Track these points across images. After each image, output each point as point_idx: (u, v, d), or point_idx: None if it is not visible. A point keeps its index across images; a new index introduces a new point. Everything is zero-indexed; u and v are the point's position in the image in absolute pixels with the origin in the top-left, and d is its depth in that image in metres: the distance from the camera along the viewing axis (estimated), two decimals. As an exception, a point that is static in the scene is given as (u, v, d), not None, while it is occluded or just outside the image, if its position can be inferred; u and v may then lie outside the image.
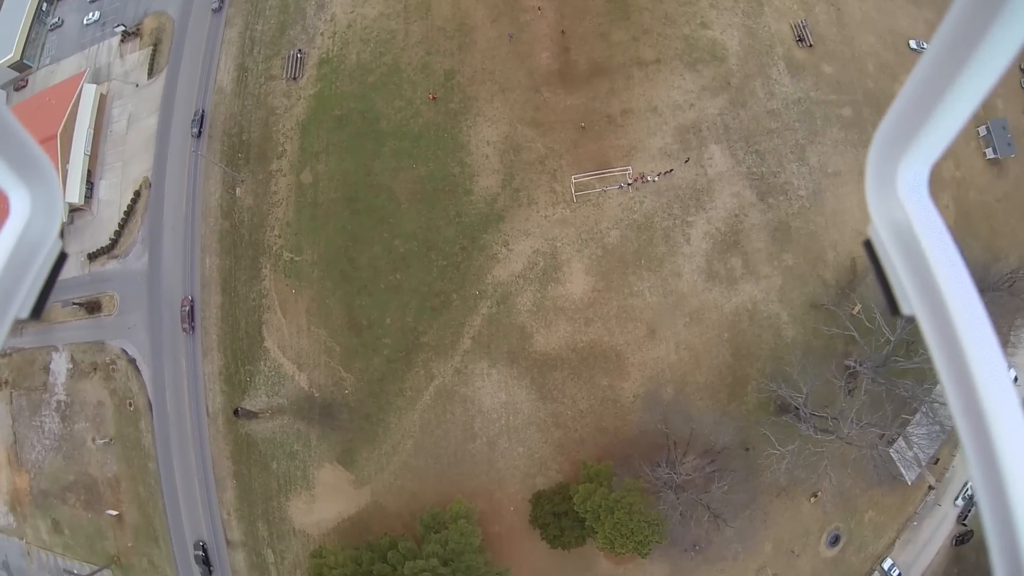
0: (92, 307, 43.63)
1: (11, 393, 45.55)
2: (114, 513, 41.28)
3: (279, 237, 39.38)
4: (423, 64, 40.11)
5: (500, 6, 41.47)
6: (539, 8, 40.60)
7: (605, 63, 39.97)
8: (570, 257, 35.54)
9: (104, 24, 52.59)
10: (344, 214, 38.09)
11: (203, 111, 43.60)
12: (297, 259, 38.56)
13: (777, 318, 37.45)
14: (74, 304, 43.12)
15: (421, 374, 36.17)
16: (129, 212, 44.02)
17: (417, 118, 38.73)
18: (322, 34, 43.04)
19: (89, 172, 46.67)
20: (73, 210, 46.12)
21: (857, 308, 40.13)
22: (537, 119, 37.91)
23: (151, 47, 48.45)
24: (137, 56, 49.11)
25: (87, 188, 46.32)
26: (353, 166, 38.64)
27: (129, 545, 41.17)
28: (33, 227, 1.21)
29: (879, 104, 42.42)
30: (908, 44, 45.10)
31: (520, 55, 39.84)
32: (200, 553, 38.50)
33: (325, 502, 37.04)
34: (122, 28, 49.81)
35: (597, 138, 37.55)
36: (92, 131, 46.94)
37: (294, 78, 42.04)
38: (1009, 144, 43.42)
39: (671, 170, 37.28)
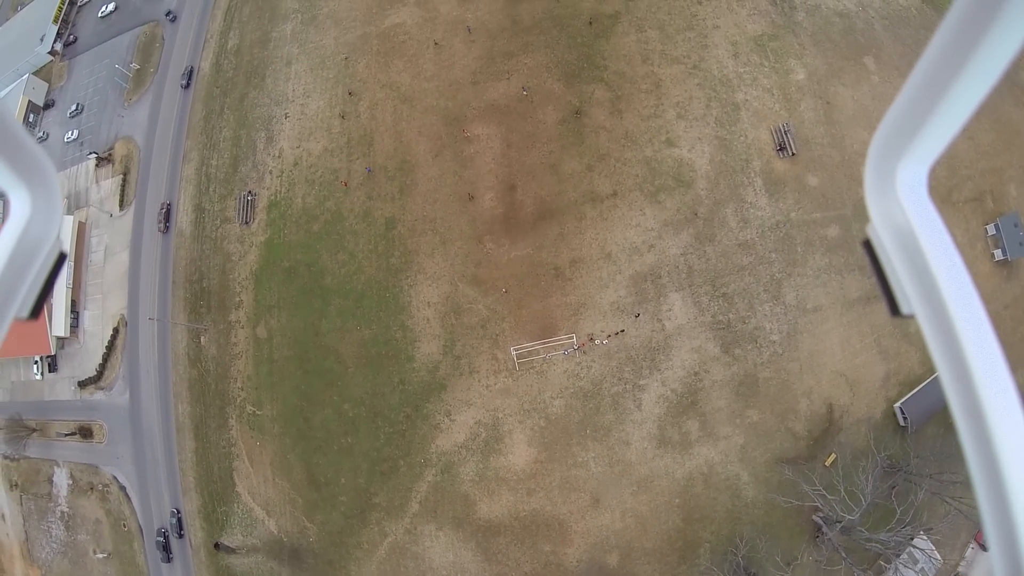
0: (85, 432, 47.29)
1: (21, 496, 49.81)
2: (117, 624, 46.20)
3: (242, 390, 40.76)
4: (364, 211, 38.94)
5: (443, 138, 39.14)
6: (465, 133, 37.90)
7: (554, 202, 37.32)
8: (512, 428, 34.85)
9: (82, 143, 53.73)
10: (297, 373, 38.77)
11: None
12: (259, 413, 39.95)
13: (736, 479, 35.59)
14: (66, 435, 46.79)
15: (375, 531, 37.42)
16: (110, 347, 46.61)
17: (360, 274, 38.07)
18: (271, 172, 42.38)
19: (74, 302, 49.21)
20: (62, 338, 49.14)
21: (831, 459, 37.48)
22: (479, 276, 36.34)
23: (122, 175, 49.46)
24: (110, 184, 50.35)
25: (73, 317, 48.89)
26: (302, 324, 38.88)
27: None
28: (33, 228, 1.21)
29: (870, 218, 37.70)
30: (912, 138, 39.38)
31: (461, 197, 37.82)
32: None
33: (297, 636, 39.98)
34: (94, 155, 50.94)
35: (542, 296, 35.70)
36: (73, 263, 49.27)
37: (246, 222, 42.03)
38: (1021, 244, 37.89)
39: (622, 331, 35.12)
